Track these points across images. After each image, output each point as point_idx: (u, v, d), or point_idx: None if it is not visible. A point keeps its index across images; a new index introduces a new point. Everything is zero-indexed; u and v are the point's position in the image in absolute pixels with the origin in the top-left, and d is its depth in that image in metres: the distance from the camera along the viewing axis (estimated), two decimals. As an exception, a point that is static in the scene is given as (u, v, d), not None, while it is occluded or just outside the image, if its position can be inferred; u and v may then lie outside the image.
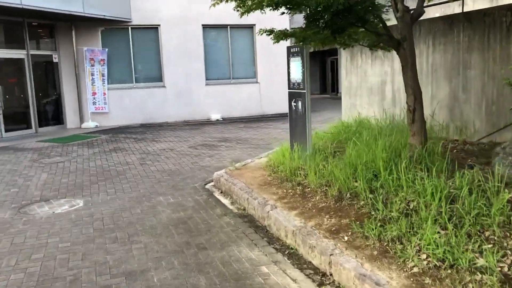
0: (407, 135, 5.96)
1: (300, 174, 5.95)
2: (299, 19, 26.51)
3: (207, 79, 16.19)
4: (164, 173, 7.82)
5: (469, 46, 6.64)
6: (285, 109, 18.42)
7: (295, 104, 6.93)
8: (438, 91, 7.20)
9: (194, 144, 10.78)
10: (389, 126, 7.44)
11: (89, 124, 14.55)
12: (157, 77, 15.68)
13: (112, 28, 15.07)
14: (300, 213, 4.71)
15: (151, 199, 6.26)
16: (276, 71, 16.71)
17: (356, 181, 5.04)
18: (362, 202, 4.56)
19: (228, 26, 16.29)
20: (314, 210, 4.71)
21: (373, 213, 4.27)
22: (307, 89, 6.53)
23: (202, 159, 8.89)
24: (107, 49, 14.75)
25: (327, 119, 15.19)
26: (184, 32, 15.68)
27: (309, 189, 5.42)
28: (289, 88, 7.10)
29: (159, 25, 15.41)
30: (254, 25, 16.46)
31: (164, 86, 15.64)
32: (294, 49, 6.80)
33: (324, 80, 31.47)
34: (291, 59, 6.92)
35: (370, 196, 4.58)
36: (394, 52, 7.90)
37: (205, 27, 16.00)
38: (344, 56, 9.70)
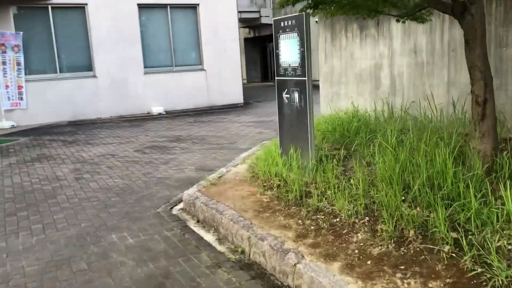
0: (450, 134, 4.49)
1: (313, 193, 4.29)
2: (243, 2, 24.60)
3: (145, 67, 14.05)
4: (110, 192, 5.85)
5: (505, 18, 5.28)
6: (236, 99, 16.78)
7: (287, 96, 5.24)
8: (458, 75, 5.81)
9: (140, 147, 8.77)
10: (400, 120, 5.97)
11: (3, 124, 11.94)
12: (86, 66, 13.30)
13: (27, 8, 12.47)
14: (347, 266, 3.06)
15: (100, 239, 4.32)
16: (225, 57, 14.92)
17: (415, 208, 3.47)
18: (447, 247, 2.98)
19: (168, 6, 14.20)
20: (368, 261, 3.08)
21: (486, 275, 2.69)
22: (308, 76, 4.86)
23: (157, 168, 6.98)
24: (21, 33, 12.16)
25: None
26: (117, 13, 13.40)
27: (338, 219, 3.78)
28: (277, 75, 5.39)
29: (86, 4, 13.00)
30: (198, 4, 14.52)
31: (95, 76, 13.31)
32: (285, 22, 5.08)
33: (265, 66, 29.98)
34: (281, 36, 5.20)
35: (454, 235, 3.03)
36: (394, 29, 6.48)
37: (141, 6, 13.79)
38: (322, 36, 8.13)
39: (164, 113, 14.06)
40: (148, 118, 13.33)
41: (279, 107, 5.47)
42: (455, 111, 5.58)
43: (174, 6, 14.30)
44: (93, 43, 13.15)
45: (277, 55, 5.33)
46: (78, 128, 11.67)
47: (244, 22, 26.61)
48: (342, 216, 3.76)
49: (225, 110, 14.36)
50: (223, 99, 15.28)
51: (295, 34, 4.93)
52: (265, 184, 5.02)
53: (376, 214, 3.64)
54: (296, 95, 5.05)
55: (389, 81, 6.82)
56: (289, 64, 5.11)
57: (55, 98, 12.74)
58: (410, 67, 6.42)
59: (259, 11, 26.00)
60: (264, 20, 26.15)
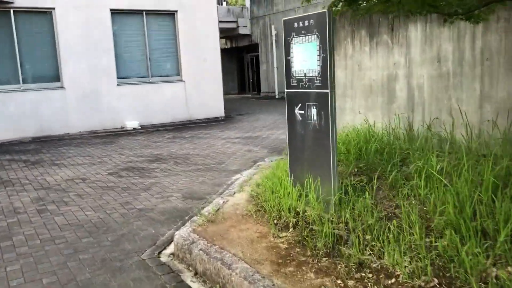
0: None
1: (348, 237, 3.34)
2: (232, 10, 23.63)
3: (119, 77, 12.92)
4: (80, 229, 4.75)
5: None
6: (217, 113, 15.68)
7: (301, 112, 4.30)
8: (494, 88, 5.00)
9: (115, 168, 7.67)
10: (426, 140, 5.10)
11: (-43, 140, 10.60)
12: (53, 76, 12.08)
13: (-14, 11, 11.22)
14: None
15: (67, 304, 3.25)
16: (204, 68, 13.96)
17: (504, 267, 2.56)
18: None
19: (144, 12, 13.16)
20: None
21: None
22: (331, 88, 3.94)
23: (136, 196, 5.91)
24: (-21, 39, 10.90)
25: (272, 124, 12.75)
26: (88, 19, 12.26)
27: (393, 280, 2.83)
28: (287, 87, 4.45)
29: (53, 8, 11.82)
30: (176, 11, 13.53)
31: (62, 87, 12.09)
32: (301, 22, 4.16)
33: (242, 78, 29.12)
34: (294, 39, 4.28)
35: None
36: (412, 36, 5.64)
37: (114, 12, 12.70)
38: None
39: (139, 127, 12.93)
40: (121, 133, 12.17)
41: (289, 125, 4.52)
42: (495, 129, 4.76)
43: (150, 13, 13.27)
44: (61, 51, 11.96)
45: (288, 63, 4.39)
46: (43, 146, 10.43)
47: (221, 33, 25.69)
48: (399, 275, 2.82)
49: (206, 124, 13.34)
50: (203, 112, 14.26)
51: (314, 37, 4.01)
52: (276, 221, 4.04)
53: (448, 275, 2.71)
54: (314, 111, 4.12)
55: (405, 94, 5.97)
56: (305, 74, 4.18)
57: (17, 112, 11.46)
58: (432, 79, 5.59)
59: (236, 21, 25.20)
60: (241, 31, 25.34)
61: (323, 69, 3.95)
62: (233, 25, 25.03)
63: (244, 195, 5.13)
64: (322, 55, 3.94)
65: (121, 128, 12.86)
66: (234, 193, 5.24)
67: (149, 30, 13.33)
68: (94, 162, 8.25)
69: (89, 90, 12.41)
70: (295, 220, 3.95)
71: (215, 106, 14.53)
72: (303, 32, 4.15)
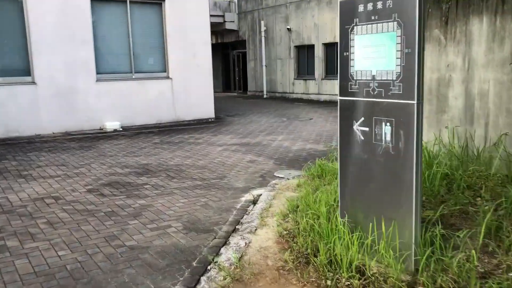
0: None
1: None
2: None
3: (98, 73, 11.52)
4: (51, 282, 3.46)
5: None
6: (207, 113, 14.24)
7: (365, 129, 3.11)
8: None
9: (95, 183, 6.35)
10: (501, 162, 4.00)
11: None
12: (23, 70, 10.61)
13: None
14: None
15: None
16: (194, 63, 12.69)
17: None
18: None
19: (128, 1, 11.78)
20: None
21: None
22: (418, 97, 2.76)
23: (125, 226, 4.63)
24: None
25: (269, 128, 11.55)
26: (64, 6, 10.84)
27: None
28: (341, 93, 3.27)
29: (23, -9, 10.36)
30: (164, 1, 12.21)
31: (33, 83, 10.64)
32: (371, 4, 2.97)
33: (227, 76, 27.83)
34: (358, 28, 3.09)
35: None
36: (475, 31, 4.52)
37: (94, 0, 11.29)
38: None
39: (121, 129, 11.56)
40: (101, 135, 10.78)
41: (343, 145, 3.33)
42: None
43: (135, 2, 11.90)
44: (32, 42, 10.50)
45: (344, 60, 3.20)
46: (9, 150, 8.98)
47: (207, 27, 24.37)
48: None
49: (195, 127, 12.05)
50: (191, 113, 12.97)
51: (393, 25, 2.83)
52: (330, 280, 2.85)
53: None
54: (387, 129, 2.94)
55: (462, 103, 4.85)
56: (373, 76, 3.00)
57: (-20, 110, 9.98)
58: (502, 85, 4.49)
59: (223, 15, 23.92)
60: (228, 26, 24.08)
61: (406, 71, 2.77)
62: (220, 20, 23.72)
63: (270, 232, 3.92)
64: (406, 50, 2.76)
65: (100, 129, 11.47)
66: (256, 229, 4.03)
67: (133, 21, 11.95)
68: (70, 173, 6.90)
69: (64, 86, 10.98)
70: (361, 283, 2.77)
71: (205, 106, 13.26)
72: (373, 17, 2.96)
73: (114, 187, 6.09)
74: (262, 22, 22.07)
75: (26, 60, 10.58)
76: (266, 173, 6.77)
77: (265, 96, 22.41)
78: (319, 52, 19.25)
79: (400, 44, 2.79)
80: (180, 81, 12.67)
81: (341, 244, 3.06)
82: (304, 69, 20.39)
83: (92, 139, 10.31)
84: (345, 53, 3.18)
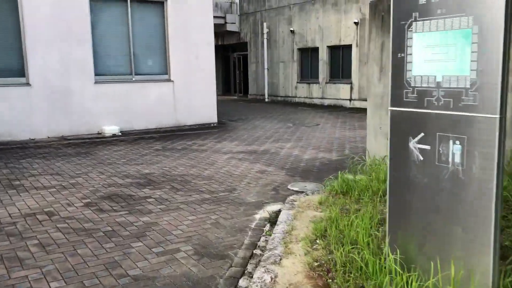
0: None
1: None
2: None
3: (96, 74, 10.96)
4: (41, 324, 2.90)
5: None
6: (209, 118, 13.62)
7: (425, 147, 2.57)
8: None
9: (93, 195, 5.78)
10: None
11: None
12: (16, 70, 10.04)
13: None
14: None
15: None
16: (197, 66, 12.15)
17: None
18: None
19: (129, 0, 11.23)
20: None
21: None
22: (502, 111, 2.22)
23: (127, 250, 4.06)
24: None
25: (275, 134, 11.01)
26: (61, 2, 10.27)
27: None
28: (395, 102, 2.72)
29: (18, -13, 9.79)
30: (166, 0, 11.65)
31: (27, 84, 10.06)
32: (438, -5, 2.43)
33: (227, 78, 27.29)
34: (417, 25, 2.55)
35: None
36: None
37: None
38: (374, 36, 5.55)
39: (120, 134, 10.99)
40: (99, 140, 10.21)
41: (395, 165, 2.78)
42: None
43: (135, 0, 11.34)
44: (27, 40, 9.93)
45: (398, 63, 2.66)
46: (0, 156, 8.39)
47: (208, 28, 23.86)
48: None
49: (197, 132, 11.49)
50: (193, 118, 12.41)
51: (467, 20, 2.28)
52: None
53: None
54: (457, 148, 2.39)
55: None
56: (438, 83, 2.46)
57: (-30, 112, 9.40)
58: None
59: (224, 17, 23.40)
60: (229, 28, 23.57)
61: (485, 77, 2.23)
62: (221, 21, 23.19)
63: (297, 263, 3.37)
64: (485, 51, 2.22)
65: (98, 133, 10.90)
66: (281, 259, 3.47)
67: (134, 20, 11.40)
68: (65, 184, 6.33)
69: (60, 87, 10.42)
70: None
71: (207, 110, 12.71)
72: (439, 11, 2.42)
73: (114, 201, 5.52)
74: (265, 24, 21.55)
75: (20, 60, 10.00)
76: (278, 185, 6.23)
77: (266, 100, 21.88)
78: (323, 55, 18.74)
79: (476, 44, 2.25)
80: (181, 84, 12.12)
81: (395, 287, 2.51)
82: (308, 73, 19.88)
83: (89, 144, 9.74)
84: (399, 54, 2.64)
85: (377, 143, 5.66)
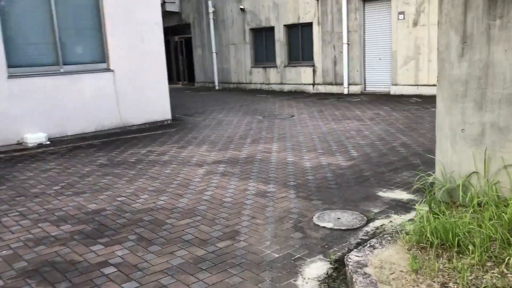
0: None
1: None
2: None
3: (10, 66, 8.32)
4: None
5: None
6: (162, 115, 10.05)
7: None
8: None
9: (9, 270, 3.45)
10: None
11: None
12: None
13: None
14: None
15: None
16: (143, 50, 9.80)
17: None
18: None
19: (48, -35, 8.58)
20: None
21: None
22: None
23: None
24: None
25: (249, 131, 8.90)
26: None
27: None
28: None
29: None
30: (98, -34, 9.09)
31: None
32: None
33: (169, 65, 24.58)
34: None
35: None
36: None
37: (-2, -38, 8.00)
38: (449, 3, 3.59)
39: (48, 142, 8.45)
40: (19, 155, 7.63)
41: None
42: None
43: (57, -33, 8.72)
44: None
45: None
46: None
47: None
48: None
49: (150, 134, 9.15)
50: (142, 115, 10.04)
51: None
52: None
53: None
54: None
55: None
56: None
57: None
58: None
59: (162, -4, 20.67)
60: (168, 8, 20.96)
61: None
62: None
63: None
64: None
65: (18, 144, 8.29)
66: None
67: (57, -7, 8.79)
68: (-38, 244, 3.93)
69: (-41, 86, 7.70)
70: None
71: (159, 105, 10.37)
72: None
73: (47, 280, 3.24)
74: (210, 2, 19.18)
75: None
76: (299, 219, 4.21)
77: (217, 87, 19.64)
78: (280, 36, 16.75)
79: None
80: (124, 74, 9.68)
81: None
82: (263, 56, 17.82)
83: (5, 162, 7.17)
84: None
85: (456, 153, 3.75)
